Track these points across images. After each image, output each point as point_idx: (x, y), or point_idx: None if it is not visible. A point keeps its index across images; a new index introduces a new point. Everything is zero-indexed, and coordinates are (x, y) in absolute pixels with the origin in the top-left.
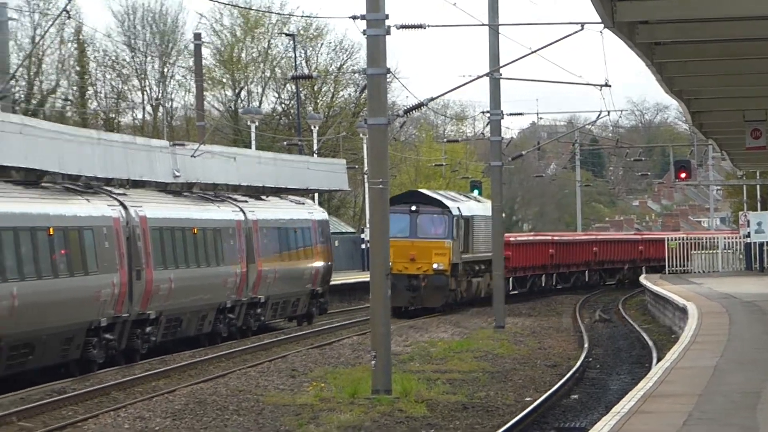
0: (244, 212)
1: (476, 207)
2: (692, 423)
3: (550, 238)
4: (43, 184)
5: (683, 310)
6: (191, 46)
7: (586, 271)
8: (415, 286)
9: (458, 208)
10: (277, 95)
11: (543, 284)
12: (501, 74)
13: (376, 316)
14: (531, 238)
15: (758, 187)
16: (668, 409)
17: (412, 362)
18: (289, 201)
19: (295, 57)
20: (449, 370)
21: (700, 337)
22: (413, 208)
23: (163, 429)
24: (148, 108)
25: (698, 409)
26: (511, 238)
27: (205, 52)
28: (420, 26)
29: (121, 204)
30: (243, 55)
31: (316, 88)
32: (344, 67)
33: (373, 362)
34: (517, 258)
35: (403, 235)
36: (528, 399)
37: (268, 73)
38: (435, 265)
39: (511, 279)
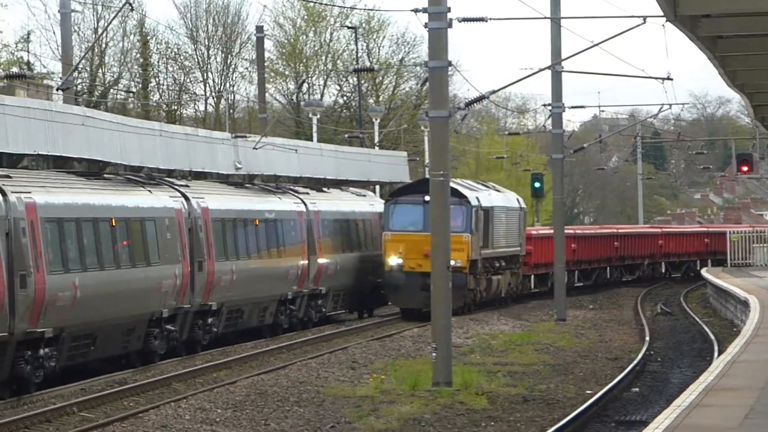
0: (305, 204)
1: (497, 197)
2: (754, 416)
3: (572, 231)
4: (105, 176)
5: (745, 303)
6: (254, 38)
7: (608, 268)
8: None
9: (477, 198)
10: (338, 88)
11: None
12: (563, 67)
13: (436, 308)
14: (551, 231)
15: None
16: (730, 403)
17: (473, 354)
18: (350, 193)
19: (357, 50)
20: (510, 362)
21: (762, 331)
22: (427, 198)
23: (224, 420)
24: (210, 100)
25: (760, 403)
26: (533, 232)
27: (268, 44)
28: (482, 19)
29: (183, 195)
30: (305, 47)
31: (377, 80)
32: (406, 59)
33: (433, 354)
34: (538, 254)
35: (416, 229)
36: (589, 392)
37: (330, 66)
38: (452, 262)
39: (532, 276)
